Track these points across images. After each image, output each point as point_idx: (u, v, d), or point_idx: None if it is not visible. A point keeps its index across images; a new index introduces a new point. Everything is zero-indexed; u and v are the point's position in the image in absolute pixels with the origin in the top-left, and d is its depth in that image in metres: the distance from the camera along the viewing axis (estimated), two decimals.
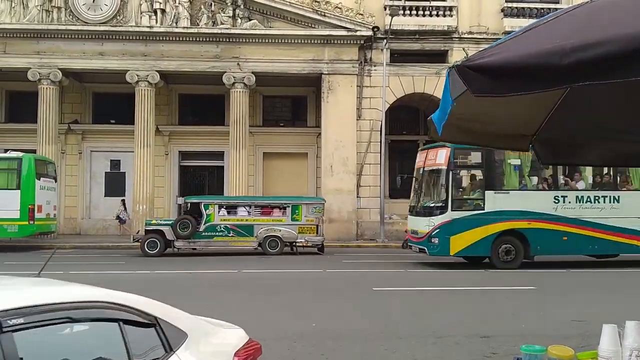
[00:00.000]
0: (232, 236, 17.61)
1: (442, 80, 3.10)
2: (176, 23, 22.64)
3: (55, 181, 21.07)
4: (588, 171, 15.16)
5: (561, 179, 15.43)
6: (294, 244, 17.99)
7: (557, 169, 15.19)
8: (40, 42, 22.51)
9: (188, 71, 23.30)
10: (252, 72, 22.91)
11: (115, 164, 26.01)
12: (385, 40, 22.93)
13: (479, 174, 14.95)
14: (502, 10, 24.17)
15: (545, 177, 15.33)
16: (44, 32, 22.34)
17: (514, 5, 24.23)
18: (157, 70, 22.80)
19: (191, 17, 22.76)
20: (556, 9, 22.38)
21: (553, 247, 14.68)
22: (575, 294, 10.98)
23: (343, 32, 22.95)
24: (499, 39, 3.68)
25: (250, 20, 22.81)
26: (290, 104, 27.40)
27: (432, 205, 14.86)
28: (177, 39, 22.71)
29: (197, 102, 26.60)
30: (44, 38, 22.46)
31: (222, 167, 25.72)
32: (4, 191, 18.52)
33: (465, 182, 15.22)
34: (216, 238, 17.52)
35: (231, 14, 22.73)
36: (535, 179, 15.33)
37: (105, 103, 26.06)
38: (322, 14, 22.73)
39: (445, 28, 23.84)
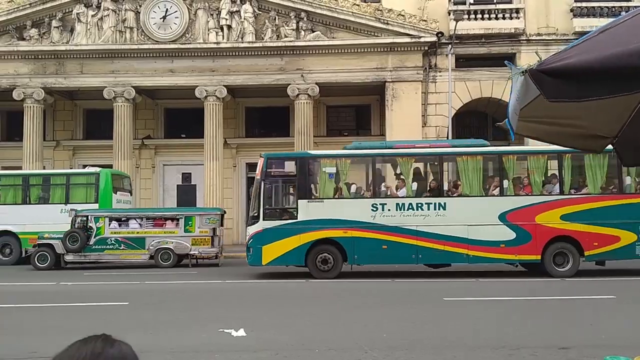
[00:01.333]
0: (122, 249, 17.43)
1: (510, 84, 3.02)
2: (242, 38, 23.16)
3: (131, 194, 21.89)
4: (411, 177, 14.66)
5: (383, 187, 14.93)
6: (190, 256, 17.67)
7: (376, 177, 14.84)
8: (114, 62, 23.56)
9: (254, 85, 23.76)
10: (316, 83, 23.10)
11: (187, 176, 26.79)
12: (450, 46, 22.61)
13: (292, 183, 14.72)
14: (572, 10, 23.36)
15: (363, 185, 14.94)
16: (117, 52, 23.38)
17: (584, 4, 23.38)
18: (224, 85, 23.38)
19: (256, 31, 23.23)
20: (628, 8, 21.48)
21: (372, 256, 14.20)
22: None
23: (406, 39, 22.80)
24: (570, 40, 3.56)
25: (313, 32, 23.05)
26: (354, 113, 27.42)
27: (251, 215, 14.82)
28: (243, 53, 23.22)
29: (262, 115, 27.04)
30: (118, 57, 23.50)
31: None
32: (83, 205, 19.38)
33: (278, 191, 14.99)
34: (107, 251, 17.41)
35: (295, 27, 23.04)
36: (354, 187, 14.89)
37: (176, 118, 26.94)
38: (385, 22, 22.68)
39: (512, 30, 23.27)
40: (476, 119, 26.15)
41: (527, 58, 21.67)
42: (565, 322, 8.68)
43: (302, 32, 23.07)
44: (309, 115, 23.37)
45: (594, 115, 3.49)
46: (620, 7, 22.65)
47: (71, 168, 25.09)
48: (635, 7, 19.31)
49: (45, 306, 10.70)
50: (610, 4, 23.21)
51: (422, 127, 23.34)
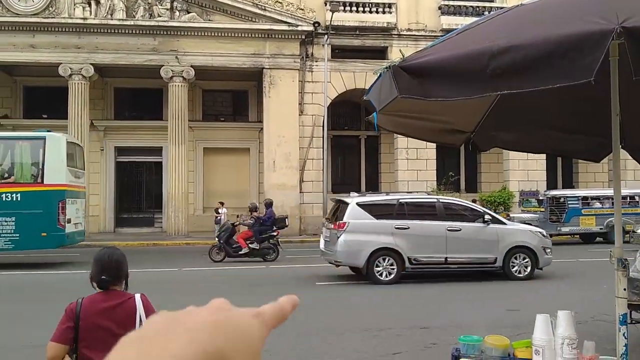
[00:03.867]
0: None
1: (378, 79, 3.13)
2: (111, 15, 21.95)
3: None
4: None
5: None
6: None
7: None
8: None
9: (124, 64, 22.65)
10: (191, 66, 22.50)
11: None
12: (326, 36, 23.00)
13: None
14: (440, 8, 24.65)
15: None
16: None
17: (451, 3, 24.76)
18: (91, 63, 22.06)
19: (127, 9, 22.12)
20: (491, 8, 23.08)
21: None
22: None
23: (284, 27, 22.85)
24: (437, 36, 3.74)
25: (189, 12, 22.38)
26: (231, 98, 27.10)
27: None
28: (113, 31, 22.02)
29: (134, 96, 25.90)
30: None
31: (161, 162, 25.18)
32: None
33: None
34: None
35: (169, 7, 22.24)
36: None
37: (38, 97, 25.04)
38: (263, 7, 22.56)
39: (385, 24, 24.12)
40: (350, 109, 26.89)
41: (398, 52, 22.62)
42: (430, 304, 9.22)
43: (177, 13, 22.31)
44: (184, 99, 22.72)
45: (453, 113, 3.71)
46: (484, 7, 24.26)
47: None
48: (498, 7, 20.79)
49: None
50: (475, 4, 24.79)
51: (299, 115, 23.59)
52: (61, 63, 21.80)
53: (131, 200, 24.99)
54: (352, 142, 27.57)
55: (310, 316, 8.30)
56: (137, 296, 2.91)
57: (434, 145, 23.71)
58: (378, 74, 3.18)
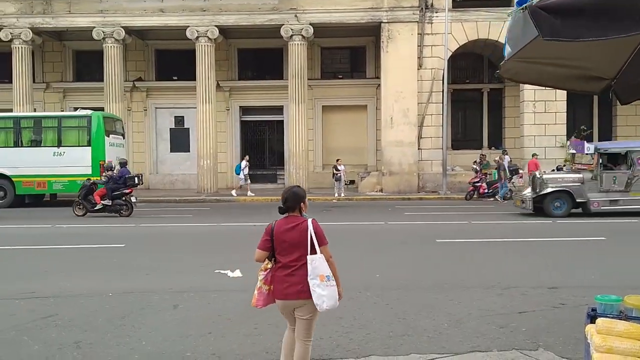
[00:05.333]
0: None
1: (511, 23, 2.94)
2: None
3: (124, 137, 21.74)
4: None
5: None
6: None
7: None
8: (103, 1, 22.93)
9: (246, 25, 23.26)
10: (310, 24, 22.64)
11: (179, 120, 26.58)
12: None
13: None
14: None
15: None
16: None
17: None
18: (216, 25, 22.87)
19: None
20: None
21: None
22: None
23: None
24: None
25: None
26: (349, 55, 27.04)
27: None
28: None
29: (255, 57, 26.63)
30: None
31: (282, 121, 25.84)
32: (75, 148, 19.27)
33: None
34: None
35: None
36: None
37: (168, 60, 26.50)
38: None
39: None
40: (472, 61, 25.87)
41: None
42: (556, 263, 8.86)
43: None
44: (303, 57, 23.00)
45: (593, 56, 3.45)
46: None
47: (62, 111, 24.81)
48: None
49: (43, 248, 10.79)
50: None
51: (418, 69, 23.07)
52: (188, 26, 22.81)
53: (255, 158, 25.96)
54: (474, 96, 26.60)
55: (431, 273, 8.29)
56: (309, 220, 3.96)
57: (564, 96, 22.30)
58: (510, 17, 3.00)
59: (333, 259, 3.97)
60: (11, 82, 23.49)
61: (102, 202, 16.03)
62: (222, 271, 8.20)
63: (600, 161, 15.06)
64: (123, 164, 17.44)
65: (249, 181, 22.63)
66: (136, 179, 17.05)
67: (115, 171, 16.78)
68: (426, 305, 6.44)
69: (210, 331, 5.56)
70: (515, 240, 11.31)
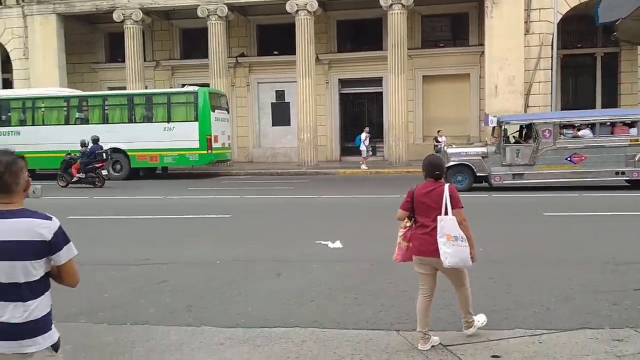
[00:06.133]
0: None
1: None
2: None
3: (228, 112, 22.48)
4: None
5: None
6: None
7: None
8: None
9: None
10: None
11: (280, 94, 27.06)
12: None
13: None
14: None
15: None
16: None
17: None
18: None
19: None
20: None
21: None
22: None
23: None
24: None
25: None
26: (451, 22, 26.19)
27: None
28: None
29: (354, 28, 26.46)
30: None
31: (382, 92, 25.60)
32: (183, 123, 20.17)
33: None
34: None
35: None
36: None
37: (269, 35, 26.95)
38: None
39: None
40: (584, 25, 24.21)
41: None
42: None
43: None
44: (403, 27, 22.53)
45: None
46: None
47: (170, 87, 26.00)
48: None
49: (155, 218, 11.46)
50: None
51: (524, 34, 21.95)
52: (288, 0, 22.99)
53: (355, 130, 25.97)
54: (586, 61, 24.98)
55: (538, 246, 7.96)
56: (446, 186, 4.37)
57: None
58: None
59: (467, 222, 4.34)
60: (124, 62, 24.90)
61: (77, 175, 17.55)
62: (322, 242, 8.33)
63: (503, 134, 14.66)
64: (95, 140, 18.50)
65: (370, 152, 22.58)
66: (104, 154, 18.06)
67: (88, 148, 18.13)
68: (532, 279, 6.21)
69: (312, 299, 5.69)
70: (628, 214, 10.61)
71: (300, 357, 4.24)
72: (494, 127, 15.84)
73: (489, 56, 22.17)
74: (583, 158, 14.09)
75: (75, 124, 21.01)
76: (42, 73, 25.06)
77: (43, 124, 21.17)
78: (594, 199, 12.85)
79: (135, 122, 20.79)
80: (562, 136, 14.44)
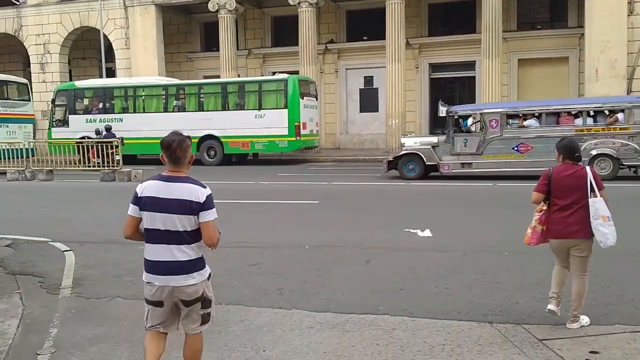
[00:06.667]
0: None
1: None
2: None
3: (316, 99, 22.66)
4: None
5: None
6: None
7: None
8: None
9: None
10: None
11: (369, 80, 26.92)
12: None
13: None
14: None
15: None
16: None
17: None
18: None
19: None
20: None
21: None
22: None
23: None
24: None
25: None
26: (548, 3, 24.95)
27: None
28: None
29: (446, 11, 25.82)
30: None
31: (474, 77, 24.88)
32: (273, 110, 20.54)
33: None
34: None
35: None
36: None
37: (358, 20, 26.82)
38: None
39: None
40: None
41: None
42: None
43: None
44: (498, 8, 21.68)
45: None
46: None
47: (262, 75, 26.51)
48: None
49: (249, 202, 11.80)
50: None
51: (628, 16, 20.56)
52: None
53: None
54: None
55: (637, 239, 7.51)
56: (587, 168, 4.46)
57: None
58: None
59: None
60: (218, 51, 25.65)
61: (94, 159, 17.86)
62: (411, 230, 8.28)
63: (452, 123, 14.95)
64: (108, 129, 19.69)
65: None
66: (117, 141, 18.14)
67: (102, 135, 19.12)
68: (635, 275, 5.88)
69: (401, 287, 5.67)
70: None
71: (390, 345, 4.25)
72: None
73: (589, 39, 20.96)
74: (529, 148, 14.17)
75: (172, 111, 21.94)
76: (142, 62, 26.33)
77: (144, 112, 22.28)
78: None
79: (229, 109, 21.39)
80: (508, 126, 14.52)
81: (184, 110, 21.76)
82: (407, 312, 4.94)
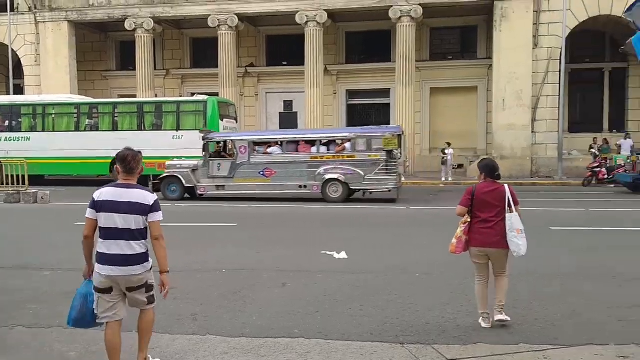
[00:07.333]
0: None
1: None
2: None
3: (236, 122, 22.56)
4: None
5: None
6: None
7: None
8: None
9: (355, 8, 23.25)
10: (419, 4, 22.22)
11: (288, 104, 27.18)
12: None
13: None
14: None
15: None
16: None
17: None
18: (325, 9, 23.06)
19: None
20: None
21: None
22: None
23: None
24: None
25: None
26: (459, 35, 26.27)
27: None
28: None
29: (363, 40, 26.59)
30: None
31: (389, 104, 25.67)
32: (192, 132, 20.18)
33: None
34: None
35: None
36: None
37: (278, 45, 27.11)
38: None
39: None
40: (592, 39, 24.24)
41: None
42: None
43: None
44: (412, 39, 22.64)
45: None
46: None
47: (180, 96, 26.14)
48: None
49: (163, 225, 11.48)
50: None
51: (533, 48, 22.00)
52: (298, 11, 23.18)
53: None
54: (594, 76, 24.97)
55: (544, 261, 7.92)
56: (506, 186, 5.07)
57: None
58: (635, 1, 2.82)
59: None
60: (135, 70, 25.10)
61: None
62: (328, 252, 8.36)
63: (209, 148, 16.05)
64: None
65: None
66: None
67: None
68: (537, 294, 6.21)
69: (317, 310, 5.71)
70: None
71: None
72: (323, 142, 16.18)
73: (497, 70, 22.23)
74: (273, 172, 15.53)
75: (85, 130, 21.15)
76: (53, 80, 25.31)
77: (53, 131, 21.33)
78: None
79: (145, 129, 20.90)
80: (256, 153, 15.85)
81: (97, 130, 21.03)
82: (322, 334, 4.98)
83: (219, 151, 17.02)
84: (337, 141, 15.79)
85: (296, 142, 15.97)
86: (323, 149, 15.66)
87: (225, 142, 16.96)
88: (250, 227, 11.34)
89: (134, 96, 24.28)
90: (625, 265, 7.54)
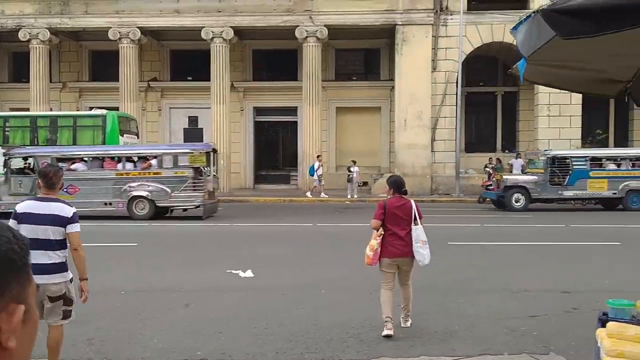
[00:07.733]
0: None
1: (523, 27, 2.97)
2: None
3: (138, 137, 21.87)
4: None
5: None
6: None
7: None
8: (119, 2, 23.13)
9: (261, 26, 23.34)
10: (325, 25, 22.67)
11: (193, 120, 26.71)
12: None
13: None
14: None
15: None
16: None
17: None
18: (231, 26, 22.97)
19: None
20: None
21: None
22: None
23: None
24: None
25: None
26: (363, 57, 27.04)
27: None
28: None
29: (270, 58, 26.71)
30: None
31: (296, 122, 25.89)
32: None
33: None
34: None
35: None
36: None
37: (182, 60, 26.65)
38: None
39: None
40: (486, 64, 25.75)
41: (541, 1, 21.14)
42: (569, 267, 8.79)
43: None
44: (318, 59, 23.02)
45: (610, 59, 3.43)
46: None
47: (78, 110, 25.02)
48: None
49: None
50: None
51: (432, 72, 23.03)
52: (204, 27, 22.93)
53: (269, 159, 26.04)
54: (488, 99, 26.48)
55: (442, 275, 8.24)
56: (412, 201, 5.52)
57: (579, 100, 22.13)
58: (521, 20, 3.05)
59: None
60: (29, 82, 23.77)
61: None
62: (233, 271, 8.24)
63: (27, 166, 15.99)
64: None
65: (322, 182, 21.82)
66: None
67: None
68: (436, 307, 6.43)
69: (220, 330, 5.60)
70: (532, 243, 11.25)
71: None
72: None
73: (399, 91, 23.04)
74: (77, 190, 15.00)
75: None
76: None
77: None
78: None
79: (39, 145, 19.78)
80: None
81: None
82: (226, 355, 4.88)
83: (26, 167, 16.25)
84: (148, 157, 15.61)
85: (102, 159, 15.70)
86: (129, 165, 15.52)
87: (11, 157, 15.79)
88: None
89: (27, 109, 22.95)
90: (514, 278, 7.97)
